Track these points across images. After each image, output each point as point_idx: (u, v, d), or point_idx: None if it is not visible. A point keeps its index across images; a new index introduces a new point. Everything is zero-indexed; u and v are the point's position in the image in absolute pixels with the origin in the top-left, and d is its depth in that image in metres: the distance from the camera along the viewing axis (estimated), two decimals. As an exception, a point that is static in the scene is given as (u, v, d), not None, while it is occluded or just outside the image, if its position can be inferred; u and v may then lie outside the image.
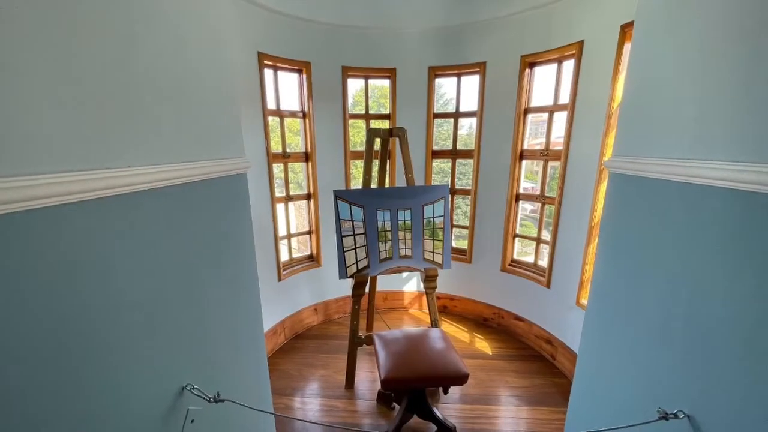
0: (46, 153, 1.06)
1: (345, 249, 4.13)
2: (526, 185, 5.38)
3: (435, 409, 3.66)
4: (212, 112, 1.92)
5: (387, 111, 5.64)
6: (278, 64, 4.73)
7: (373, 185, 4.42)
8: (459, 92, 5.53)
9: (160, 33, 1.54)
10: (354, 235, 4.13)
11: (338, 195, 4.04)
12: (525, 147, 5.09)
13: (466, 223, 5.85)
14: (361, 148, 4.96)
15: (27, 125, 1.00)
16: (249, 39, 4.27)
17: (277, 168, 5.04)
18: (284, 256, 5.40)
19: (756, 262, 1.25)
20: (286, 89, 4.99)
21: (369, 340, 4.26)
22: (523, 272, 5.30)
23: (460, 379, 3.30)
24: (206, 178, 1.85)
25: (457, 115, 5.61)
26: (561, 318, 4.69)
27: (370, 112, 5.68)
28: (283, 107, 4.97)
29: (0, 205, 0.92)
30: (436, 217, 4.29)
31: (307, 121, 5.19)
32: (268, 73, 4.67)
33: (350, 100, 5.46)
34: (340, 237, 4.09)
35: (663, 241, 1.72)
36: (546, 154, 4.81)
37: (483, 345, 5.33)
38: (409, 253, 4.34)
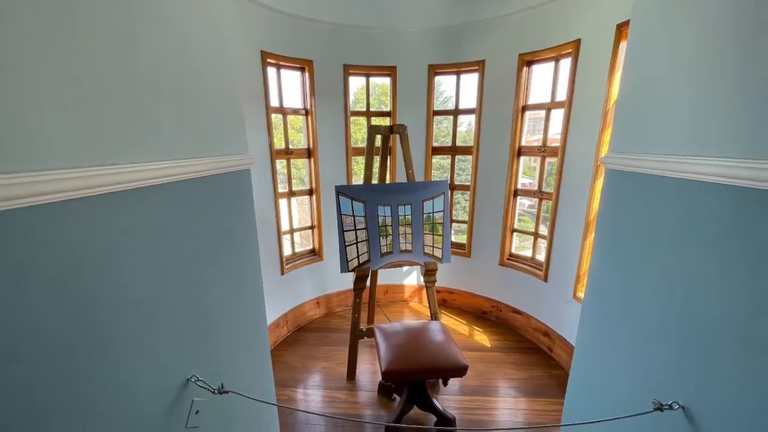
0: (48, 152, 1.05)
1: (346, 243, 4.13)
2: (523, 181, 5.37)
3: (435, 401, 3.66)
4: (215, 109, 1.91)
5: (388, 108, 5.63)
6: (281, 63, 4.71)
7: (374, 181, 4.41)
8: (458, 90, 5.52)
9: (162, 33, 1.53)
10: (355, 229, 4.13)
11: (340, 190, 4.03)
12: (523, 143, 5.08)
13: (465, 218, 5.85)
14: (362, 144, 4.97)
15: (28, 124, 0.99)
16: (252, 38, 4.26)
17: (280, 164, 5.04)
18: (287, 251, 5.39)
19: (750, 258, 1.24)
20: (289, 87, 4.98)
21: (370, 333, 4.26)
22: (521, 266, 5.30)
23: (460, 370, 3.30)
24: (210, 174, 1.84)
25: (456, 112, 5.60)
26: (558, 311, 4.69)
27: (371, 109, 5.67)
28: (285, 104, 4.96)
29: (4, 201, 0.91)
30: (436, 212, 4.29)
31: (309, 118, 5.18)
32: (271, 71, 4.66)
33: (351, 98, 5.45)
34: (342, 232, 4.09)
35: (659, 237, 1.71)
36: (543, 151, 4.81)
37: (482, 337, 5.33)
38: (409, 247, 4.34)
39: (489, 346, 5.12)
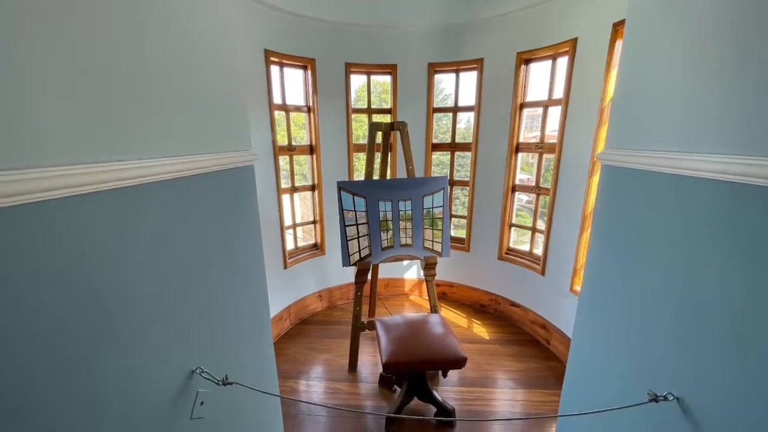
0: (55, 149, 1.05)
1: (348, 238, 4.13)
2: (521, 177, 5.38)
3: (434, 392, 3.67)
4: (220, 106, 1.91)
5: (388, 105, 5.62)
6: (284, 61, 4.70)
7: (375, 177, 4.41)
8: (457, 87, 5.51)
9: (168, 31, 1.52)
10: (357, 224, 4.13)
11: (342, 186, 4.03)
12: (521, 140, 5.07)
13: (465, 213, 5.85)
14: (364, 141, 4.96)
15: (35, 122, 0.99)
16: (256, 37, 4.26)
17: (283, 160, 5.04)
18: (290, 245, 5.40)
19: (744, 251, 1.24)
20: (292, 85, 4.98)
21: (371, 326, 4.27)
22: (518, 260, 5.30)
23: (459, 362, 3.31)
24: (215, 170, 1.84)
25: (455, 109, 5.60)
26: (555, 304, 4.70)
27: (372, 106, 5.66)
28: (288, 102, 4.96)
29: (12, 197, 0.91)
30: (436, 207, 4.29)
31: (311, 115, 5.18)
32: (275, 69, 4.66)
33: (353, 95, 5.45)
34: (344, 226, 4.09)
35: (654, 231, 1.71)
36: (541, 147, 4.80)
37: (480, 330, 5.34)
38: (409, 241, 4.34)
39: (487, 338, 5.13)
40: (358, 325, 4.32)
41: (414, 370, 3.48)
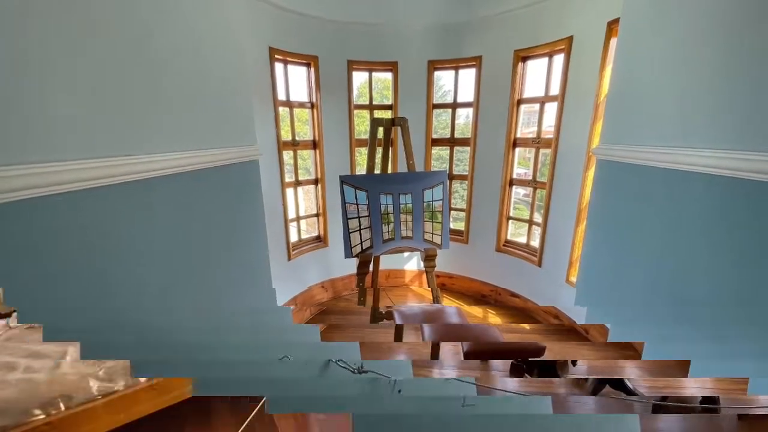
0: (65, 144, 1.05)
1: (350, 230, 4.13)
2: (519, 171, 5.38)
3: (626, 380, 3.46)
4: (226, 103, 1.91)
5: (389, 102, 5.62)
6: (288, 59, 4.71)
7: (377, 171, 4.41)
8: (457, 84, 5.50)
9: (175, 31, 1.52)
10: (359, 217, 4.13)
11: (344, 180, 4.03)
12: (518, 135, 5.07)
13: (463, 206, 5.86)
14: (365, 136, 4.95)
15: (47, 119, 0.99)
16: (261, 35, 4.26)
17: (287, 155, 5.04)
18: (294, 237, 5.42)
19: (733, 243, 1.25)
20: (296, 81, 4.97)
21: (389, 316, 4.27)
22: (516, 252, 5.32)
23: (539, 352, 3.29)
24: (221, 164, 1.84)
25: (454, 105, 5.59)
26: (553, 295, 4.71)
27: (374, 102, 5.66)
28: (292, 98, 4.96)
29: (25, 189, 0.91)
30: (435, 200, 4.28)
31: (314, 111, 5.18)
32: (279, 66, 4.65)
33: (355, 92, 5.44)
34: (346, 219, 4.09)
35: (648, 223, 1.71)
36: (538, 142, 4.80)
37: (495, 320, 5.33)
38: (410, 234, 4.34)
39: (527, 328, 5.08)
40: (376, 316, 4.34)
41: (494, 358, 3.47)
